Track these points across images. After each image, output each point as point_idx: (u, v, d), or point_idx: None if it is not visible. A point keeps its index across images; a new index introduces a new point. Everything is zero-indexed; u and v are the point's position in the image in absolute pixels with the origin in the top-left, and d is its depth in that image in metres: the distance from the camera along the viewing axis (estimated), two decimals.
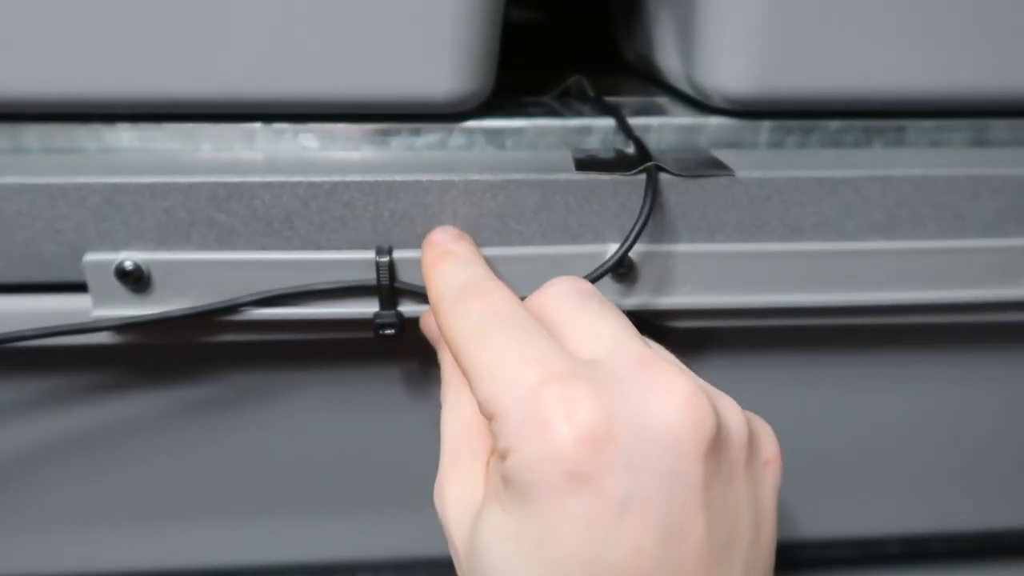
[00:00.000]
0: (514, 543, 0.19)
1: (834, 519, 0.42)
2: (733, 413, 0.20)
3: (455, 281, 0.23)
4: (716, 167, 0.29)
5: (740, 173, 0.28)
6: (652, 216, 0.27)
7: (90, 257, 0.27)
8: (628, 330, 0.21)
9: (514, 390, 0.19)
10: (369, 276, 0.27)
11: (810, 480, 0.40)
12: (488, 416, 0.20)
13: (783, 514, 0.41)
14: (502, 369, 0.19)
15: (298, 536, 0.40)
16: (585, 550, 0.18)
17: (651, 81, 0.41)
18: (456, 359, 0.22)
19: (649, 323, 0.32)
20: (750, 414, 0.21)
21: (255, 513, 0.39)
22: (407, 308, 0.28)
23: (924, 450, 0.39)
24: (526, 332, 0.20)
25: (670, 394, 0.19)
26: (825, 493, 0.41)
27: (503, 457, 0.19)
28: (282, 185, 0.27)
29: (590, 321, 0.21)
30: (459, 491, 0.22)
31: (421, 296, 0.28)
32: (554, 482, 0.18)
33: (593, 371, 0.19)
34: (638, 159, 0.28)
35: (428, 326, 0.28)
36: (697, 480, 0.18)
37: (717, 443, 0.19)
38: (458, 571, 0.22)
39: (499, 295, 0.22)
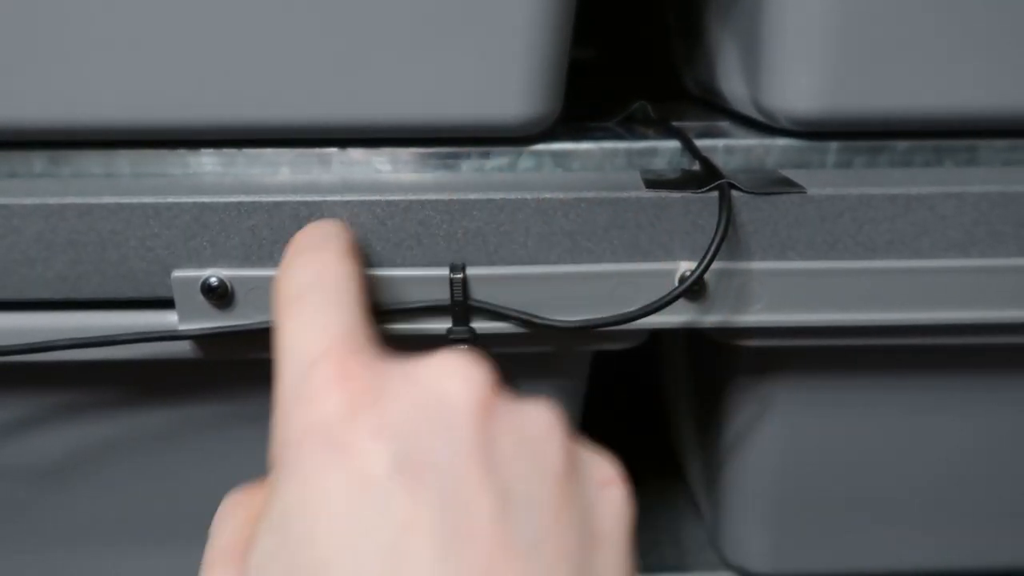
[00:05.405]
0: (278, 538, 0.17)
1: (924, 550, 0.40)
2: (533, 403, 0.20)
3: (302, 243, 0.24)
4: (787, 185, 0.29)
5: (811, 190, 0.28)
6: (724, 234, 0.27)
7: (178, 274, 0.28)
8: None
9: (296, 366, 0.19)
10: (441, 293, 0.28)
11: (889, 509, 0.39)
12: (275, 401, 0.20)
13: (874, 546, 0.40)
14: (297, 345, 0.20)
15: None
16: (349, 527, 0.16)
17: (711, 107, 0.41)
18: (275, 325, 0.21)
19: (717, 343, 0.32)
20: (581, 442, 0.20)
21: None
22: (479, 325, 0.29)
23: (1010, 480, 0.38)
24: (336, 304, 0.21)
25: (443, 361, 0.19)
26: (910, 522, 0.39)
27: (274, 453, 0.18)
28: (360, 204, 0.28)
29: None
30: None
31: (494, 313, 0.28)
32: (315, 455, 0.17)
33: (376, 351, 0.20)
34: (708, 177, 0.29)
35: None
36: (472, 446, 0.17)
37: (492, 409, 0.18)
38: None
39: (331, 256, 0.22)
